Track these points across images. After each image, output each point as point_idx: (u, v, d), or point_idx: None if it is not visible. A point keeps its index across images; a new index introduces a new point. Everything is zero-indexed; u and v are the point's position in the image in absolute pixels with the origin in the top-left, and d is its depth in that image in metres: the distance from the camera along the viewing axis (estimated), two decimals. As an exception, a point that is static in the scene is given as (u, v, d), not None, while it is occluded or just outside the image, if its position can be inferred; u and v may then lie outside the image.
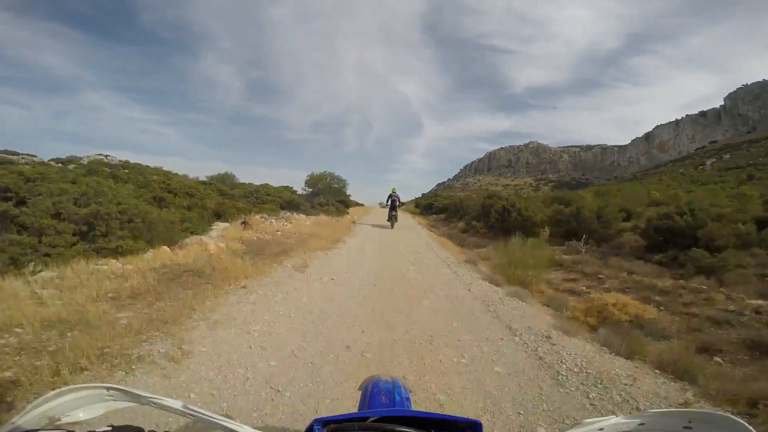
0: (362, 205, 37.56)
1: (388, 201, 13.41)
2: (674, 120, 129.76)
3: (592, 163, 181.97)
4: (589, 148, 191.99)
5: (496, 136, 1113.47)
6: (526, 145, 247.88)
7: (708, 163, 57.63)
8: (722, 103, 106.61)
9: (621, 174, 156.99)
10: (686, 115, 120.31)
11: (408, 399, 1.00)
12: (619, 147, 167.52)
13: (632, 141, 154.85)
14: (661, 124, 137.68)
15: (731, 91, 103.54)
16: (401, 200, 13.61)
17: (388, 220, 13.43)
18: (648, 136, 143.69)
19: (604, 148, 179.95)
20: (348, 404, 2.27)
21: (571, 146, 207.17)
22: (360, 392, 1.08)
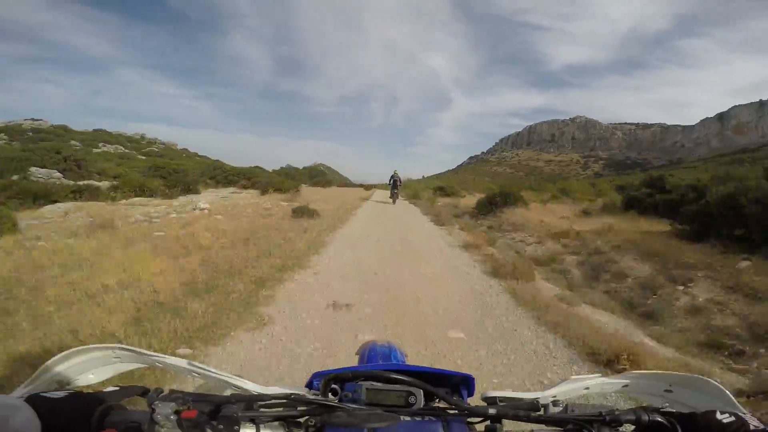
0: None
1: (390, 181, 16.63)
2: (758, 100, 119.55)
3: (650, 143, 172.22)
4: (647, 126, 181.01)
5: (530, 112, 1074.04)
6: (572, 120, 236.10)
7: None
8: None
9: (686, 156, 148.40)
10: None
11: (403, 362, 1.02)
12: (683, 127, 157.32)
13: (701, 121, 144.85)
14: (739, 105, 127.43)
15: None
16: (401, 180, 17.01)
17: (390, 197, 16.45)
18: (722, 117, 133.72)
19: (664, 127, 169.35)
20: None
21: (625, 123, 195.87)
22: (357, 357, 1.12)
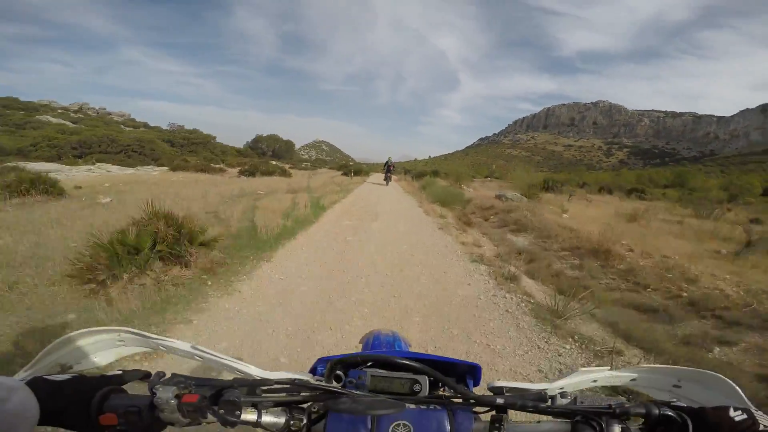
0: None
1: (385, 166, 20.01)
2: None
3: (680, 132, 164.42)
4: (677, 114, 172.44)
5: (539, 97, 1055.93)
6: (594, 104, 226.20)
7: None
8: None
9: (719, 149, 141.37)
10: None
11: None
12: (719, 117, 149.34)
13: (740, 112, 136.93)
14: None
15: None
16: (394, 165, 20.84)
17: (384, 180, 19.50)
18: (765, 109, 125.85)
19: (697, 117, 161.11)
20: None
21: (653, 110, 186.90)
22: (361, 345, 1.11)
